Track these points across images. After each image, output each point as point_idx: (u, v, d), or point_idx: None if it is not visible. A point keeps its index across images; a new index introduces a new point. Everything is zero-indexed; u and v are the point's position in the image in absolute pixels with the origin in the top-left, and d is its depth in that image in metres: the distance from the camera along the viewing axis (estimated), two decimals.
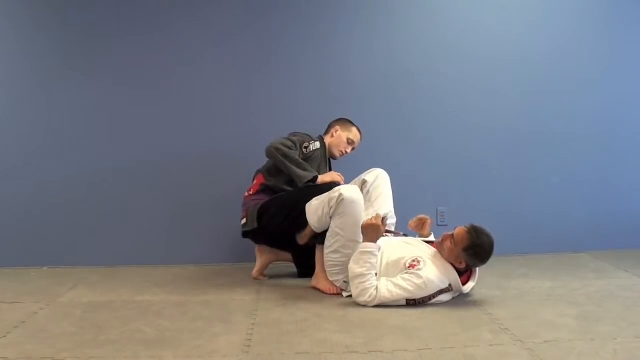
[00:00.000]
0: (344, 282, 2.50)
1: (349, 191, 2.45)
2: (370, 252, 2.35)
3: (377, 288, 2.30)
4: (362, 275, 2.32)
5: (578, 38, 3.36)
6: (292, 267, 2.91)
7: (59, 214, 3.18)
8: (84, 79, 3.20)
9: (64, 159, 3.19)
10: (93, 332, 2.05)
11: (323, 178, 2.64)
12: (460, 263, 2.37)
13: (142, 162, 3.21)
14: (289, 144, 2.68)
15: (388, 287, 2.30)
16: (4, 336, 2.01)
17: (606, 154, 3.39)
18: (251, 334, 2.01)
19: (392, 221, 2.69)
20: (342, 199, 2.41)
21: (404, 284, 2.30)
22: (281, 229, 2.66)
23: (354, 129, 2.93)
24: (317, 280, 2.59)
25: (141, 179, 3.22)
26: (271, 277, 2.88)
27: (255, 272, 2.86)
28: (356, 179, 2.80)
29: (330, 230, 2.49)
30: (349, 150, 2.93)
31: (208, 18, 3.22)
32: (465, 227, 2.36)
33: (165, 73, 3.21)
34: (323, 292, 2.55)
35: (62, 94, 3.19)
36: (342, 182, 2.66)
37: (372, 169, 2.80)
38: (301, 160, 2.67)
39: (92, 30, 3.18)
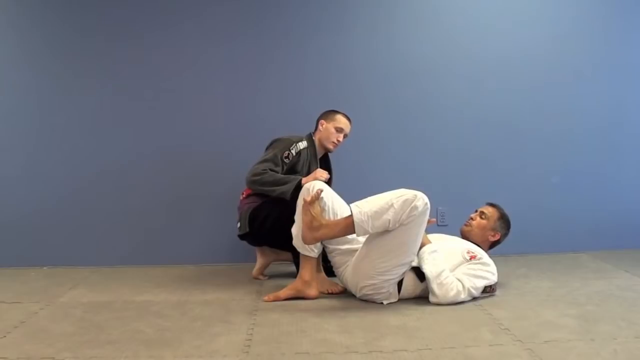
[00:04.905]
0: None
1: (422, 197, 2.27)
2: (435, 251, 2.38)
3: (459, 281, 2.35)
4: (440, 273, 2.32)
5: (578, 36, 3.36)
6: (292, 267, 2.91)
7: (59, 214, 3.18)
8: (84, 80, 3.20)
9: (64, 159, 3.19)
10: (93, 332, 2.05)
11: (306, 180, 2.60)
12: (494, 235, 2.62)
13: (142, 162, 3.22)
14: (260, 169, 2.65)
15: (470, 279, 2.37)
16: (4, 336, 2.01)
17: (606, 153, 3.39)
18: (251, 334, 2.01)
19: None
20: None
21: (480, 273, 2.41)
22: (272, 233, 2.67)
23: (339, 116, 2.90)
24: (311, 286, 2.50)
25: (141, 179, 3.22)
26: (271, 277, 2.89)
27: (255, 271, 2.87)
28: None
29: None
30: (340, 139, 2.89)
31: (208, 18, 3.22)
32: (486, 205, 2.68)
33: (165, 74, 3.22)
34: (329, 293, 2.56)
35: (62, 95, 3.19)
36: (323, 178, 2.60)
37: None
38: (279, 176, 2.65)
39: (91, 32, 3.19)
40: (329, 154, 2.99)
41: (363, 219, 2.24)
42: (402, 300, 2.39)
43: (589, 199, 3.37)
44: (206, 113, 3.24)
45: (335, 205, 2.50)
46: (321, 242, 2.46)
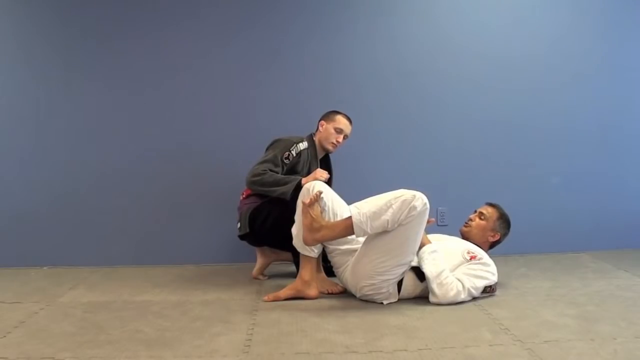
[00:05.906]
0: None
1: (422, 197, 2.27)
2: (435, 251, 2.37)
3: (459, 281, 2.34)
4: (440, 273, 2.32)
5: (578, 36, 3.36)
6: (292, 267, 2.91)
7: (59, 214, 3.18)
8: (84, 81, 3.20)
9: (64, 159, 3.20)
10: (93, 332, 2.05)
11: (306, 180, 2.59)
12: (494, 235, 2.61)
13: (142, 162, 3.22)
14: (260, 170, 2.65)
15: (470, 279, 2.36)
16: (4, 336, 2.01)
17: (606, 153, 3.39)
18: (251, 334, 2.01)
19: None
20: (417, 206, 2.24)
21: (480, 273, 2.40)
22: (272, 233, 2.68)
23: (339, 117, 2.89)
24: (311, 286, 2.50)
25: (141, 179, 3.22)
26: (271, 277, 2.89)
27: (255, 271, 2.87)
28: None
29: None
30: (340, 140, 2.89)
31: (208, 18, 3.22)
32: (486, 205, 2.66)
33: (164, 75, 3.21)
34: (329, 293, 2.56)
35: (62, 95, 3.20)
36: (323, 178, 2.61)
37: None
38: (279, 177, 2.65)
39: (92, 31, 3.19)
40: (330, 154, 2.99)
41: (362, 220, 2.25)
42: (402, 300, 2.39)
43: (589, 199, 3.37)
44: (206, 113, 3.24)
45: (335, 206, 2.50)
46: (321, 243, 2.46)
